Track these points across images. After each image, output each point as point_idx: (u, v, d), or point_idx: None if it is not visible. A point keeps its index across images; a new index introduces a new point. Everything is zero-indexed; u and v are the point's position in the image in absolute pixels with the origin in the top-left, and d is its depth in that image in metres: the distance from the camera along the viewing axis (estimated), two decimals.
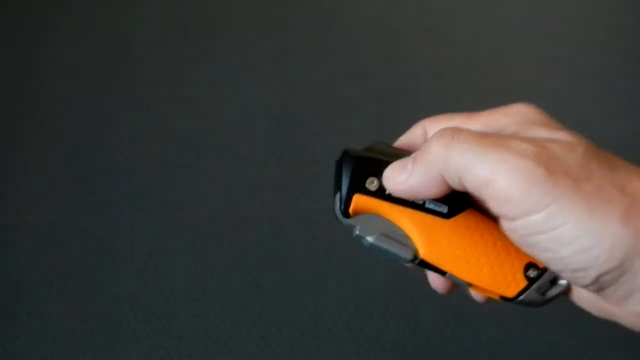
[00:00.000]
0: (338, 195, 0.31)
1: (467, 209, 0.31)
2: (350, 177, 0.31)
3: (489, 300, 0.32)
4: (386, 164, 0.30)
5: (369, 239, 0.31)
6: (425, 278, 0.33)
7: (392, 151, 0.32)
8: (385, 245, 0.31)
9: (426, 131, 0.32)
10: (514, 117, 0.29)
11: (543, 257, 0.27)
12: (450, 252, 0.30)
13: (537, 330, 0.74)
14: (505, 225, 0.28)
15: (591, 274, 0.26)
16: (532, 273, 0.30)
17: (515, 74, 1.00)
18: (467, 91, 0.97)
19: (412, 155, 0.29)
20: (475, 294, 0.32)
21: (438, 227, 0.30)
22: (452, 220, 0.31)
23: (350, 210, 0.31)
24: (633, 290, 0.26)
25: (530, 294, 0.30)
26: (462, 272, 0.31)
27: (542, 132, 0.27)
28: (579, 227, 0.25)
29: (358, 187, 0.31)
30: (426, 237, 0.31)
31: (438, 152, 0.27)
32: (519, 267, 0.31)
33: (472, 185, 0.27)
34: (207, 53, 1.02)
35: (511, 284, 0.31)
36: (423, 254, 0.30)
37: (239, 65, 1.00)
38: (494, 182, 0.26)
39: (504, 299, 0.31)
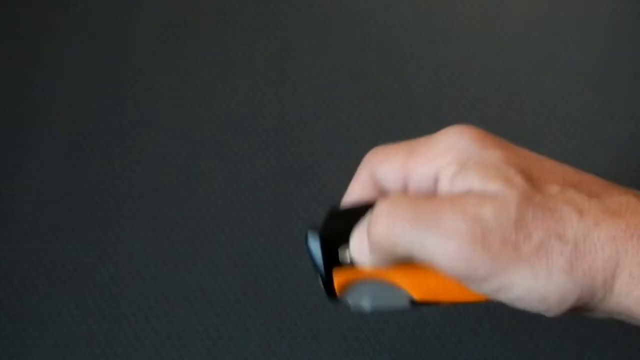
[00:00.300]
0: (319, 278, 0.32)
1: None
2: (323, 257, 0.32)
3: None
4: (350, 231, 0.32)
5: (365, 307, 0.32)
6: None
7: (351, 213, 0.32)
8: (381, 305, 0.32)
9: (374, 175, 0.32)
10: (451, 153, 0.29)
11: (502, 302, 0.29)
12: (440, 285, 0.32)
13: (537, 330, 0.74)
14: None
15: (548, 314, 0.28)
16: None
17: (515, 74, 1.00)
18: (467, 91, 0.97)
19: (366, 230, 0.30)
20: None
21: (420, 267, 0.31)
22: None
23: (336, 286, 0.32)
24: (591, 313, 0.28)
25: None
26: (458, 297, 0.32)
27: (475, 182, 0.28)
28: (525, 287, 0.27)
29: (333, 263, 0.32)
30: (414, 281, 0.32)
31: (382, 242, 0.29)
32: None
33: (422, 262, 0.29)
34: (207, 53, 1.02)
35: None
36: (417, 297, 0.32)
37: (239, 65, 1.00)
38: (437, 263, 0.28)
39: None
